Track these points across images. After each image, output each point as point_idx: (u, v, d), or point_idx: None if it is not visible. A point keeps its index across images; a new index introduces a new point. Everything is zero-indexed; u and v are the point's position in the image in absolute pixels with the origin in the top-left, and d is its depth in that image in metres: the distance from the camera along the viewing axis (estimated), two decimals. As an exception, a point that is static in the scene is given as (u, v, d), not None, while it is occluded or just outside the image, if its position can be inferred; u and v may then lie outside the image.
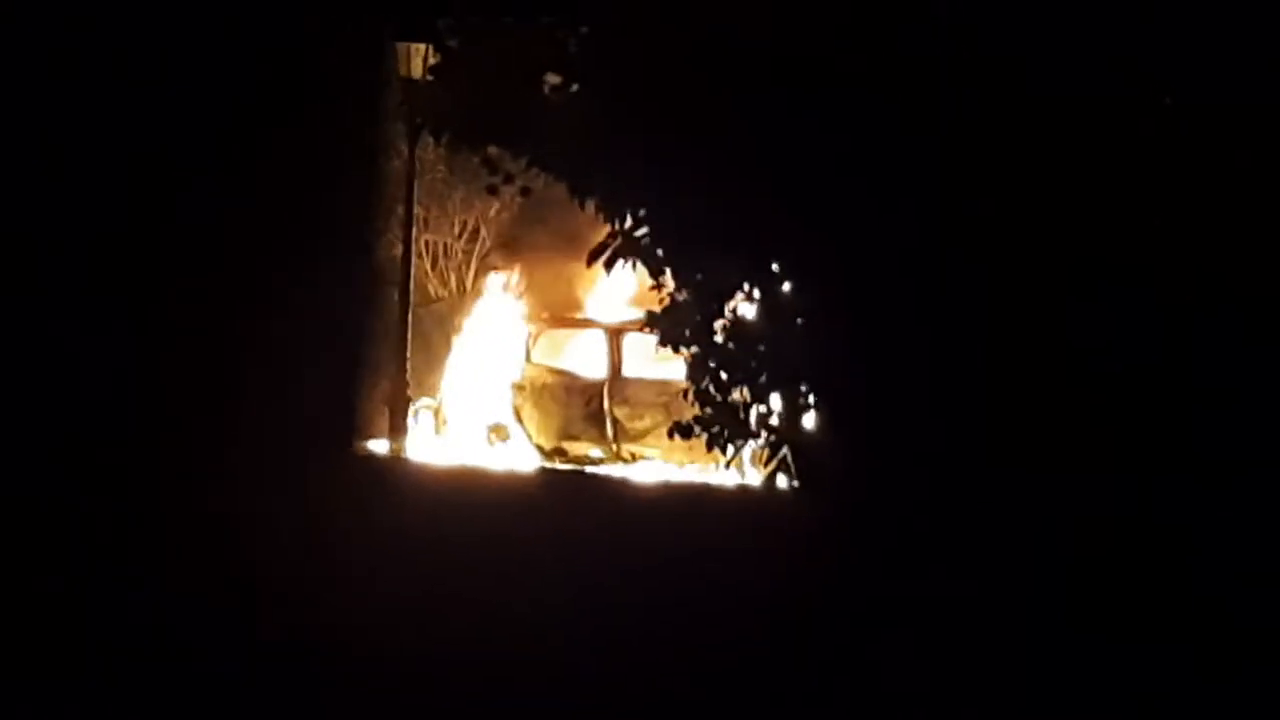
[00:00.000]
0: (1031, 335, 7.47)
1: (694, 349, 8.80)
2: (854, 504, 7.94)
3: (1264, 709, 5.73)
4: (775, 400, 8.63)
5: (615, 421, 20.09)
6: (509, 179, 9.00)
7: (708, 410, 8.78)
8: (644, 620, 7.30)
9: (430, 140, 12.16)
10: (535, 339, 21.50)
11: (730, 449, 8.93)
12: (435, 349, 23.86)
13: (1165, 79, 7.51)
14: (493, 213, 24.65)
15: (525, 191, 9.13)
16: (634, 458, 19.87)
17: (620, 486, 16.55)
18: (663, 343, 8.94)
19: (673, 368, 11.22)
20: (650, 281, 8.91)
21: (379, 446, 20.85)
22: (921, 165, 7.62)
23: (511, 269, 23.92)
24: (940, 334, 7.67)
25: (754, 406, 8.69)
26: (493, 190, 9.58)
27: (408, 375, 21.29)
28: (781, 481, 8.65)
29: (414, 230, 21.98)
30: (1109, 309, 7.33)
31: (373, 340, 6.10)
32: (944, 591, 7.08)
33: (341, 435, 6.00)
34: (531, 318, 22.50)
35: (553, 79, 8.53)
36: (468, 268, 25.28)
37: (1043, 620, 6.58)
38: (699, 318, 8.76)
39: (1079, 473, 7.16)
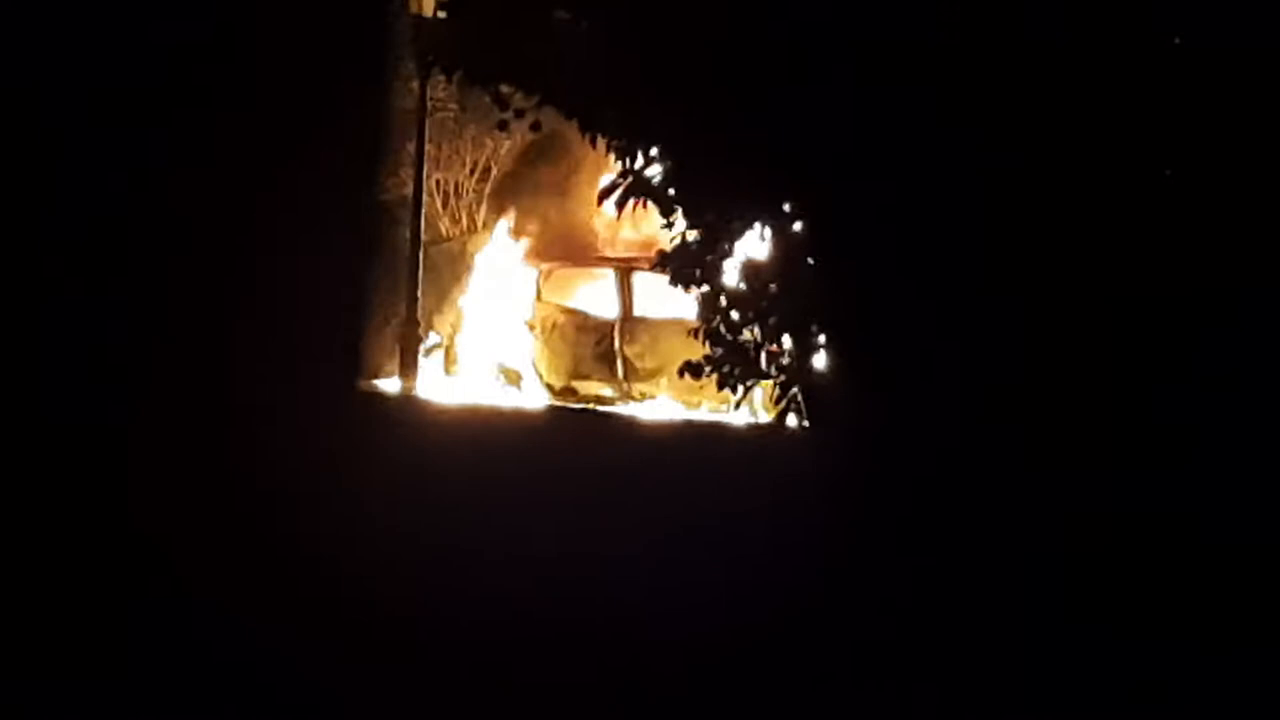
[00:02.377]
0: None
1: (705, 288, 8.78)
2: (864, 444, 7.93)
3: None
4: (786, 340, 8.62)
5: (626, 361, 20.12)
6: (519, 115, 8.96)
7: (718, 350, 8.77)
8: (654, 558, 7.31)
9: (441, 78, 12.12)
10: (546, 278, 21.49)
11: (741, 389, 8.92)
12: (446, 287, 23.87)
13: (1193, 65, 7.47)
14: (503, 151, 24.61)
15: (536, 126, 9.09)
16: (644, 397, 19.89)
17: (631, 425, 16.56)
18: (673, 282, 8.92)
19: (684, 307, 11.20)
20: (661, 221, 8.89)
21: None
22: (935, 116, 7.58)
23: (522, 208, 23.89)
24: (950, 280, 7.65)
25: (765, 346, 8.68)
26: (503, 126, 9.54)
27: (419, 314, 21.33)
28: (792, 421, 8.65)
29: (425, 169, 21.97)
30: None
31: (377, 277, 6.07)
32: (948, 539, 7.08)
33: (347, 374, 5.96)
34: (542, 256, 22.49)
35: (563, 15, 8.48)
36: (479, 206, 25.25)
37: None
38: (710, 257, 8.73)
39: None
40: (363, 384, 18.97)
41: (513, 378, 21.65)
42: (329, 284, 5.60)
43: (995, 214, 7.60)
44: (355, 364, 5.91)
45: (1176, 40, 7.52)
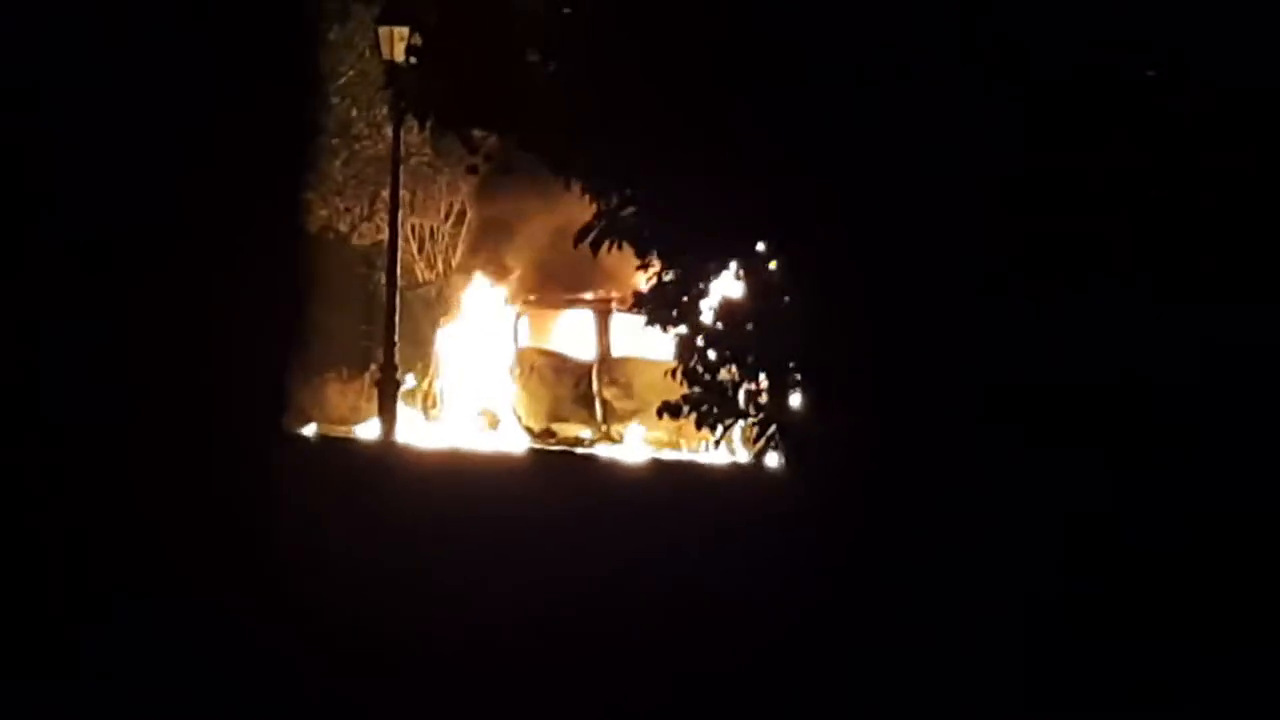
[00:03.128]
0: (1026, 321, 7.44)
1: (682, 328, 8.78)
2: (843, 480, 7.92)
3: (1265, 708, 5.72)
4: (764, 379, 8.61)
5: (604, 402, 20.12)
6: (489, 158, 8.98)
7: (696, 389, 8.76)
8: (634, 600, 7.28)
9: (414, 124, 12.15)
10: (523, 321, 21.50)
11: (719, 428, 8.92)
12: (423, 332, 23.87)
13: (1185, 63, 7.47)
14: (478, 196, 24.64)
15: (506, 169, 9.11)
16: (622, 437, 19.88)
17: (609, 467, 16.54)
18: (650, 323, 8.92)
19: (661, 348, 11.21)
20: (637, 261, 8.89)
21: (368, 430, 20.86)
22: (909, 145, 7.58)
23: (501, 260, 23.90)
24: (929, 315, 7.64)
25: (742, 385, 8.67)
26: (474, 170, 9.58)
27: (396, 359, 21.32)
28: (771, 460, 8.63)
29: (400, 214, 22.00)
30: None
31: (308, 314, 5.94)
32: (934, 576, 7.06)
33: (285, 418, 5.88)
34: (519, 300, 22.51)
35: (534, 57, 8.50)
36: (454, 250, 25.28)
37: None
38: (686, 297, 8.73)
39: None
40: (324, 429, 18.94)
41: (491, 420, 21.62)
42: (247, 322, 5.52)
43: (971, 250, 7.60)
44: (280, 405, 5.83)
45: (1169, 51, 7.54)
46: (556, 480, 13.93)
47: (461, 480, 13.34)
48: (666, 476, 15.18)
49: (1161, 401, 7.07)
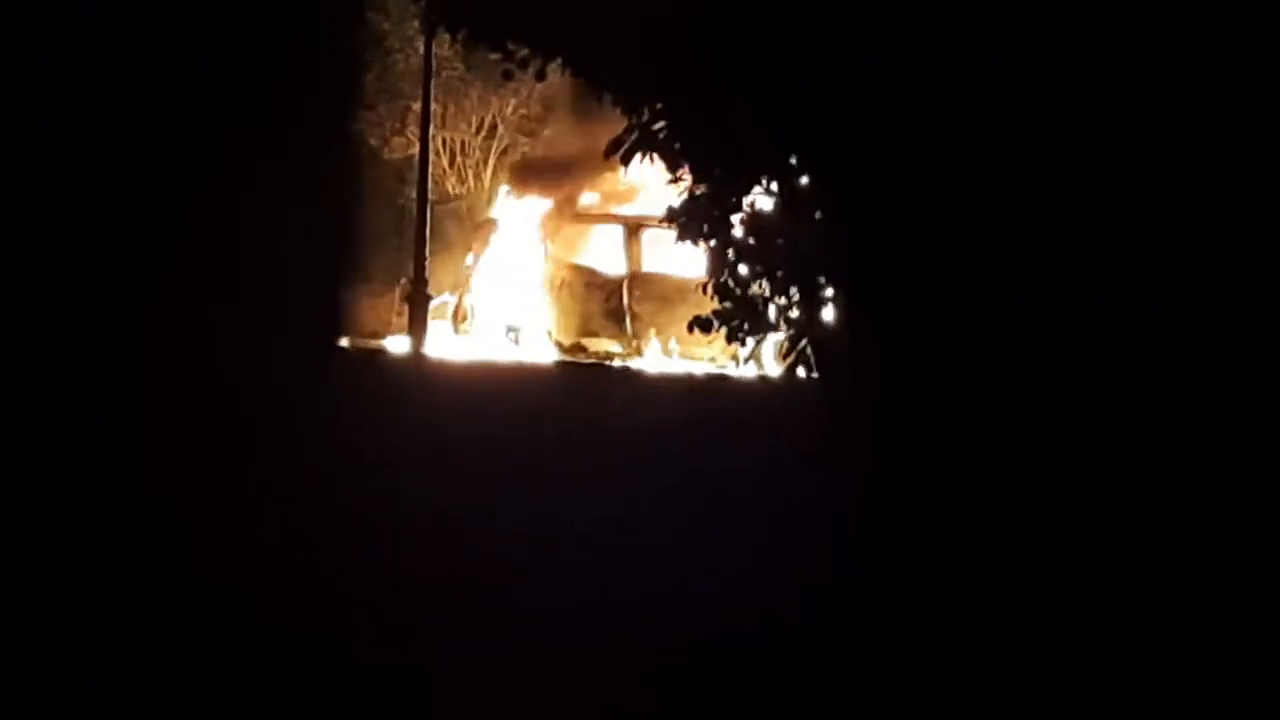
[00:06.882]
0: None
1: (713, 243, 8.79)
2: (872, 396, 7.94)
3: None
4: (795, 293, 8.62)
5: (635, 317, 20.13)
6: (524, 64, 8.93)
7: (727, 304, 8.78)
8: (663, 513, 7.33)
9: (447, 37, 12.11)
10: (555, 235, 21.48)
11: (750, 342, 8.94)
12: (453, 246, 23.89)
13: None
14: (509, 110, 24.60)
15: (540, 76, 9.06)
16: (648, 348, 19.90)
17: (640, 380, 16.57)
18: (681, 237, 8.93)
19: (692, 262, 11.23)
20: (669, 175, 8.89)
21: (398, 344, 20.92)
22: (943, 78, 7.54)
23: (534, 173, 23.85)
24: (957, 238, 7.63)
25: (773, 300, 8.68)
26: (508, 75, 9.50)
27: (426, 273, 21.35)
28: (801, 374, 8.66)
29: (431, 128, 21.98)
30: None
31: (360, 229, 5.91)
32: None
33: (326, 332, 5.88)
34: (550, 213, 22.48)
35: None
36: (485, 164, 25.26)
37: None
38: (717, 212, 8.73)
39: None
40: (354, 343, 18.96)
41: (521, 335, 21.66)
42: (298, 237, 5.52)
43: (1007, 175, 7.58)
44: (335, 322, 5.85)
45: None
46: (586, 393, 13.97)
47: (492, 394, 13.38)
48: (695, 390, 15.20)
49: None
